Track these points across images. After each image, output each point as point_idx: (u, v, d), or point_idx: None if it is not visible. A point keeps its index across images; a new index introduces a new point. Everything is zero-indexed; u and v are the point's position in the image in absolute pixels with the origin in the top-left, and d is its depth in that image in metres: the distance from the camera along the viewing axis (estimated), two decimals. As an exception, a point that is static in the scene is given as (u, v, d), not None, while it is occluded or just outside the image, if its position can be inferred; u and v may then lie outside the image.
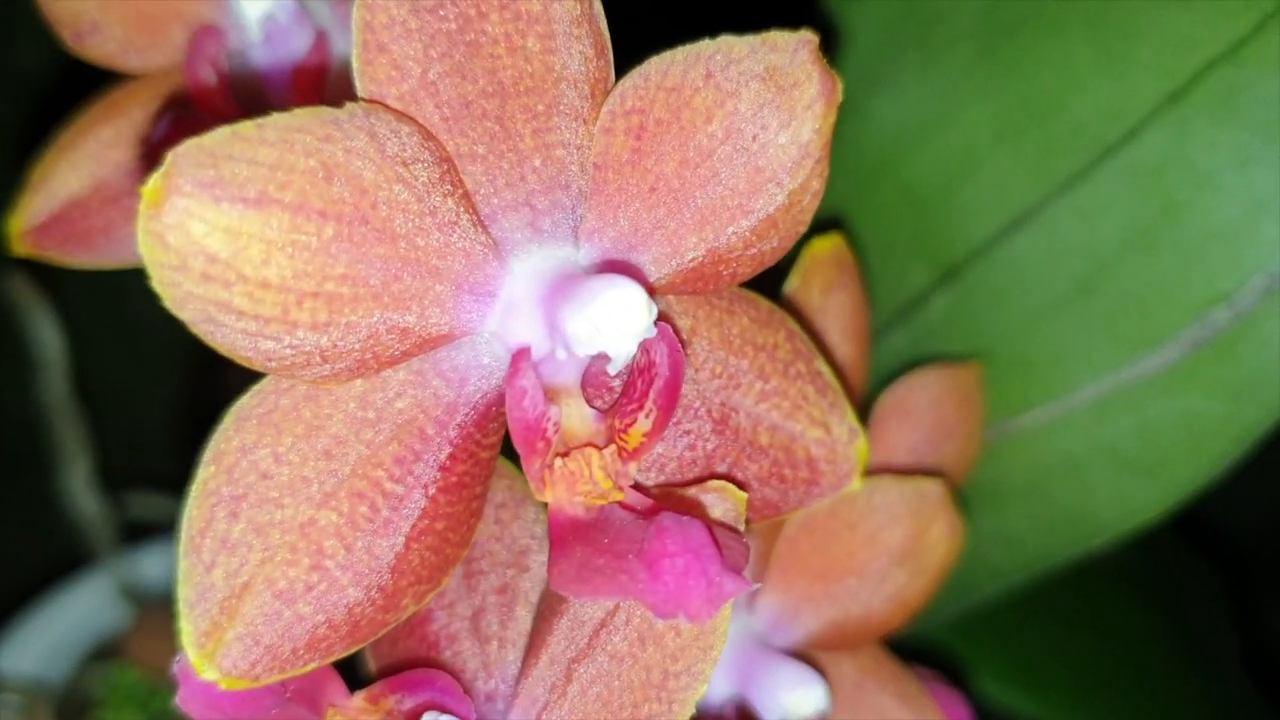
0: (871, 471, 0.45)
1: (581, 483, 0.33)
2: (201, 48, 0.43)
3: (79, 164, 0.46)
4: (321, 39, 0.43)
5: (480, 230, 0.33)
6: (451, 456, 0.34)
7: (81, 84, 0.47)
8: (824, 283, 0.48)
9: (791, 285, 0.47)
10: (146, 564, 0.89)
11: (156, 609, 0.87)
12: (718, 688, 0.44)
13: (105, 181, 0.46)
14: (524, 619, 0.38)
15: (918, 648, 0.57)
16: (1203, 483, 0.50)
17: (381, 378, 0.33)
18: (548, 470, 0.33)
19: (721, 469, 0.38)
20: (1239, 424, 0.49)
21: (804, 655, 0.46)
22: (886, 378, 0.53)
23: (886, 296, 0.58)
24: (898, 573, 0.47)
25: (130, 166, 0.46)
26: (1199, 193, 0.48)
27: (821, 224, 0.55)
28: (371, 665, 0.39)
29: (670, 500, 0.35)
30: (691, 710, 0.34)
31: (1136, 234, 0.50)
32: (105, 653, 0.86)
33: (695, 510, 0.35)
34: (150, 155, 0.41)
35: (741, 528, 0.35)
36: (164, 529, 0.91)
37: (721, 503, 0.35)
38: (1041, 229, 0.52)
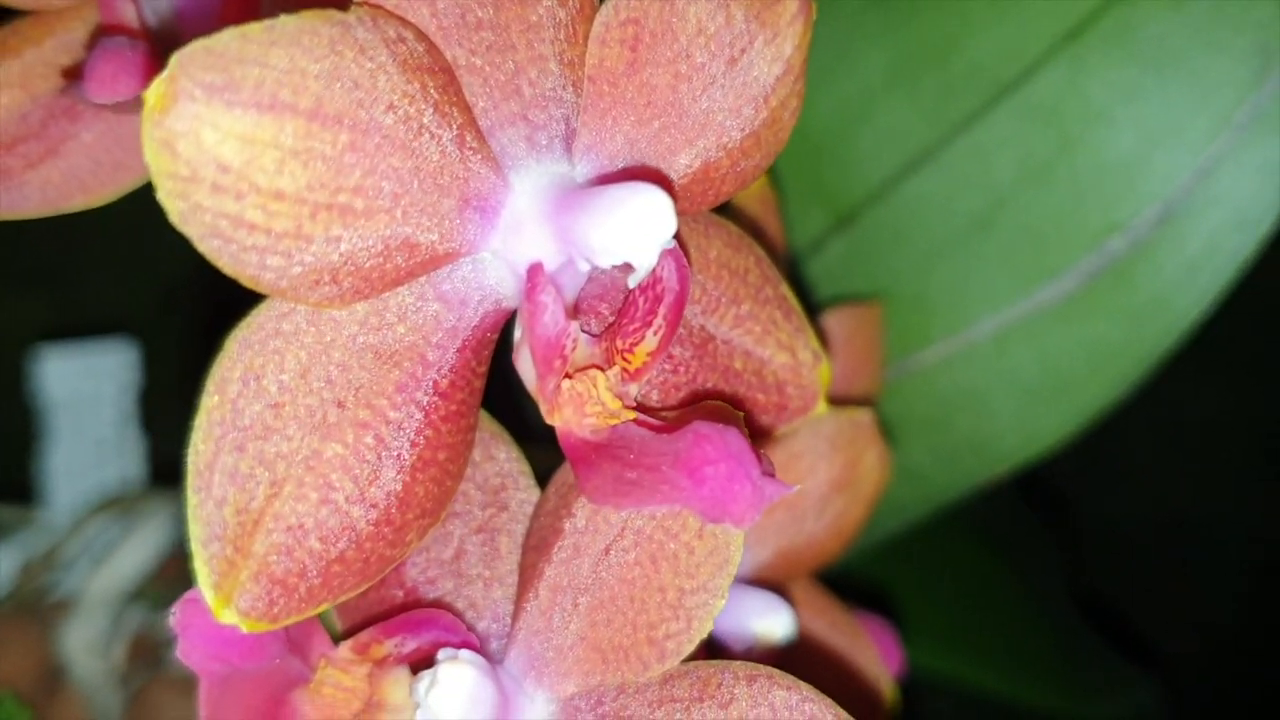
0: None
1: (590, 403, 0.33)
2: (114, -25, 0.40)
3: (-34, 109, 0.43)
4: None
5: (483, 144, 0.32)
6: (451, 383, 0.33)
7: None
8: (750, 220, 0.48)
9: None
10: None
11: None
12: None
13: (1, 125, 0.43)
14: (509, 557, 0.37)
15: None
16: (1105, 404, 0.53)
17: (382, 300, 0.32)
18: (557, 393, 0.32)
19: (702, 396, 0.38)
20: (1139, 346, 0.51)
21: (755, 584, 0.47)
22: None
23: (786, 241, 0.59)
24: (836, 500, 0.47)
25: (27, 110, 0.43)
26: (1093, 127, 0.51)
27: None
28: (340, 623, 0.38)
29: (683, 418, 0.35)
30: (710, 625, 0.34)
31: (1033, 169, 0.52)
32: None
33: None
34: (84, 85, 0.37)
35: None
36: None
37: (725, 415, 0.35)
38: (938, 169, 0.54)
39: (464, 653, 0.33)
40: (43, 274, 0.93)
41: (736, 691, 0.33)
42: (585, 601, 0.34)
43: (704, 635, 0.34)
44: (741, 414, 0.35)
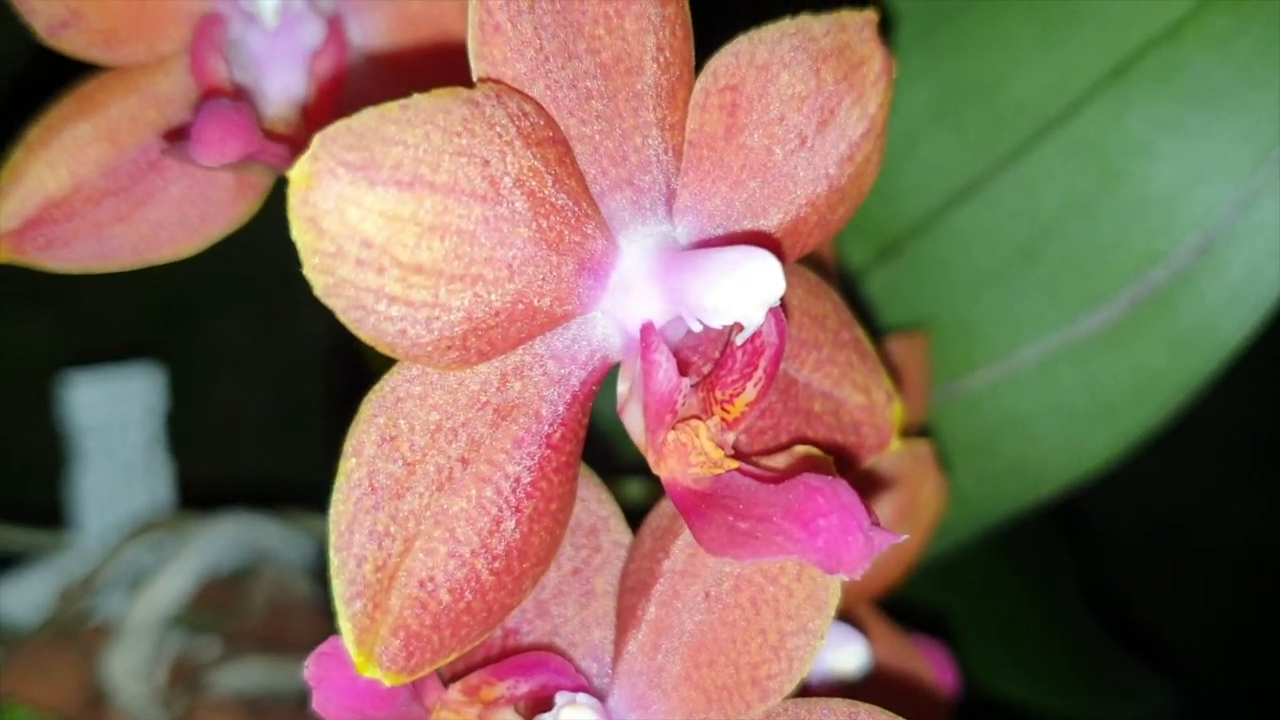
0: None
1: (694, 454, 0.34)
2: (208, 38, 0.41)
3: (55, 163, 0.44)
4: (336, 25, 0.42)
5: (595, 209, 0.33)
6: (562, 435, 0.34)
7: (49, 75, 0.45)
8: (818, 258, 0.50)
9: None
10: (7, 598, 0.84)
11: (29, 644, 0.82)
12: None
13: (86, 181, 0.44)
14: (605, 598, 0.39)
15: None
16: (1148, 429, 0.54)
17: (502, 360, 0.33)
18: (664, 445, 0.33)
19: (785, 438, 0.39)
20: (1182, 372, 0.53)
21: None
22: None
23: (825, 273, 0.60)
24: (898, 530, 0.49)
25: (114, 165, 0.44)
26: (1136, 161, 0.52)
27: None
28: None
29: (775, 468, 0.36)
30: (811, 665, 0.35)
31: (1077, 202, 0.54)
32: (-31, 693, 0.80)
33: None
34: (187, 148, 0.39)
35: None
36: (23, 560, 0.86)
37: (818, 464, 0.37)
38: (984, 201, 0.55)
39: (581, 696, 0.34)
40: (57, 296, 0.94)
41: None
42: (688, 643, 0.36)
43: (805, 675, 0.35)
44: (830, 458, 0.37)
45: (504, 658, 0.37)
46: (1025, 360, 0.56)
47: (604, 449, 0.40)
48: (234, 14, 0.43)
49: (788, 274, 0.39)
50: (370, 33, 0.44)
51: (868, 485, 0.47)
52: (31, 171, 0.43)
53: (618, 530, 0.39)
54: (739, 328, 0.33)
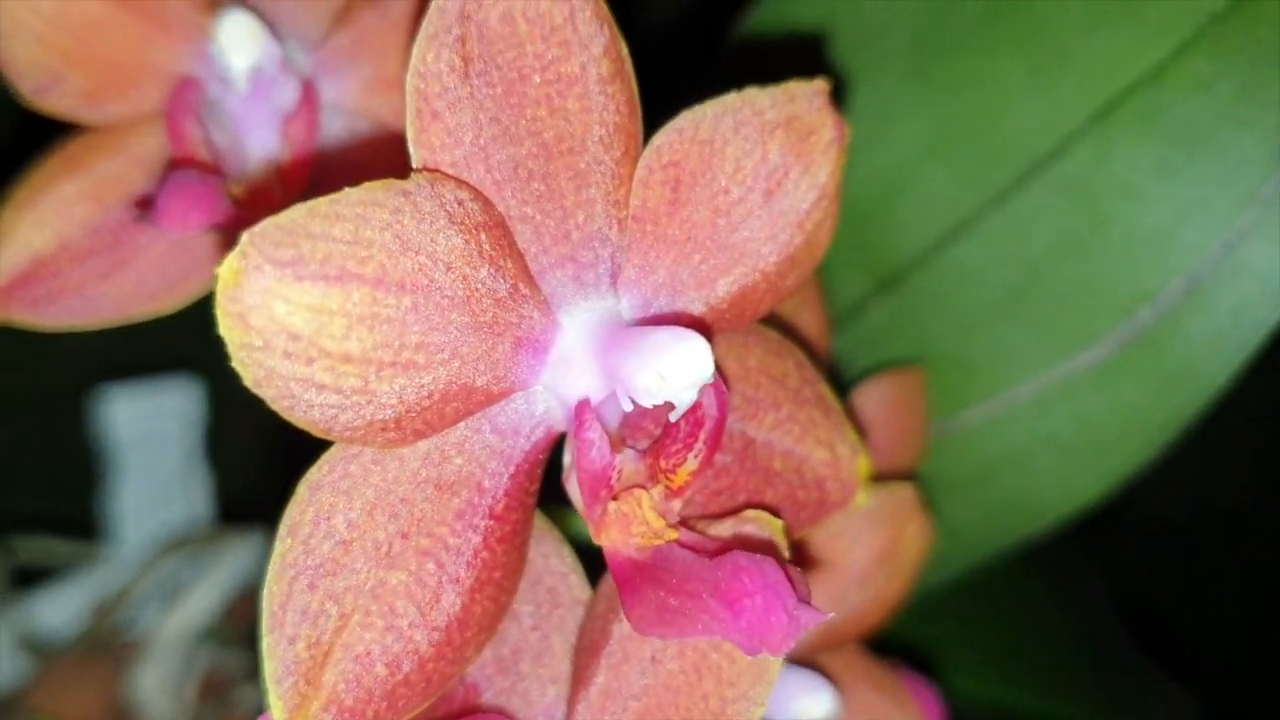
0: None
1: (635, 524, 0.35)
2: (183, 101, 0.43)
3: (42, 222, 0.45)
4: (309, 89, 0.43)
5: (535, 288, 0.34)
6: (506, 506, 0.35)
7: (32, 136, 0.46)
8: (794, 302, 0.50)
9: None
10: (43, 611, 0.86)
11: (62, 658, 0.84)
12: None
13: (72, 240, 0.45)
14: (563, 655, 0.39)
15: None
16: (1136, 465, 0.54)
17: (442, 436, 0.34)
18: (605, 515, 0.34)
19: (743, 498, 0.40)
20: (1167, 411, 0.53)
21: (799, 660, 0.48)
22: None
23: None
24: (878, 574, 0.49)
25: (98, 223, 0.45)
26: (1124, 202, 0.52)
27: None
28: None
29: (731, 541, 0.36)
30: (751, 732, 0.36)
31: (1067, 241, 0.53)
32: (4, 707, 0.83)
33: (747, 545, 0.36)
34: (151, 216, 0.40)
35: (785, 554, 0.37)
36: (57, 573, 0.88)
37: (761, 531, 0.37)
38: (977, 238, 0.55)
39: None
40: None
41: (779, 794, 0.35)
42: (634, 706, 0.36)
43: (746, 745, 0.36)
44: (782, 522, 0.37)
45: (463, 714, 0.38)
46: (1020, 396, 0.56)
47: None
48: (210, 77, 0.44)
49: (745, 333, 0.40)
50: (346, 94, 0.45)
51: (832, 541, 0.47)
52: (19, 231, 0.45)
53: (578, 587, 0.40)
54: (671, 407, 0.34)
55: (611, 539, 0.35)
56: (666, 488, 0.35)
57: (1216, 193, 0.50)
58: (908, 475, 0.58)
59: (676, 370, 0.33)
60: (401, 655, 0.33)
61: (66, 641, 0.87)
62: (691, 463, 0.35)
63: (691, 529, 0.36)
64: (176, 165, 0.42)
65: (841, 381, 0.55)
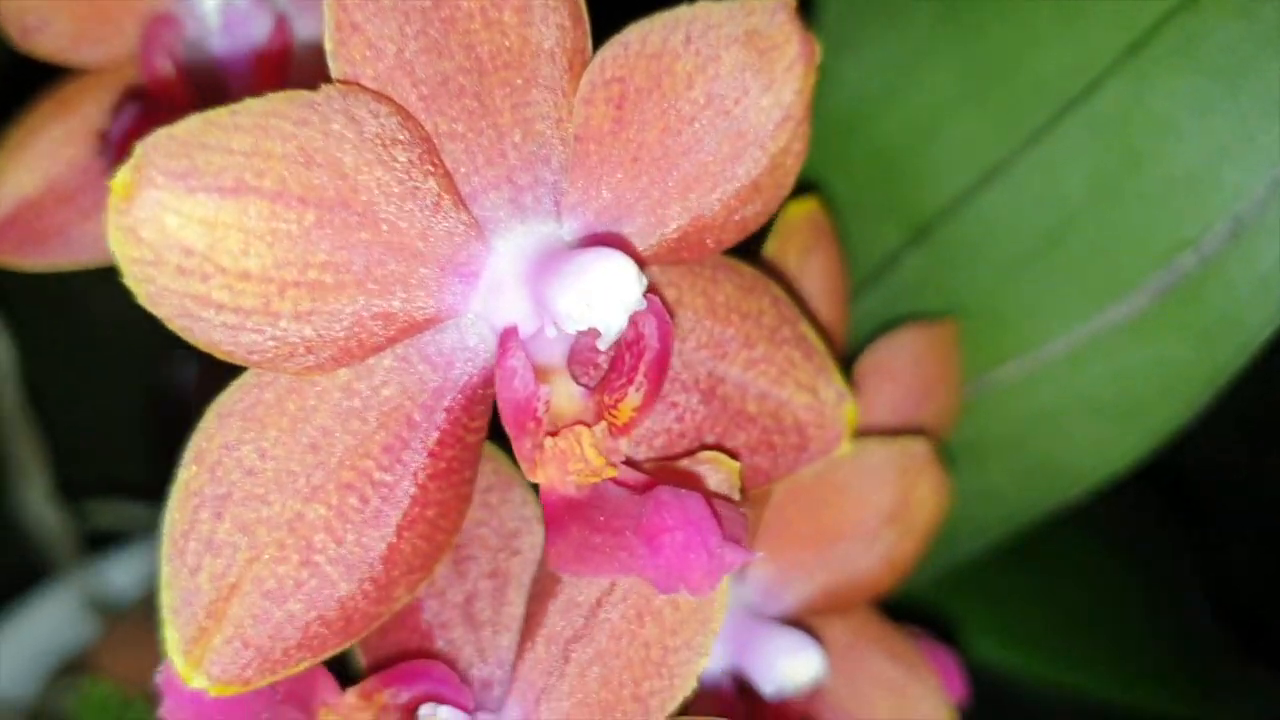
0: (856, 434, 0.46)
1: (573, 461, 0.33)
2: (157, 38, 0.42)
3: (31, 164, 0.45)
4: (282, 23, 0.42)
5: (462, 210, 0.32)
6: (440, 442, 0.34)
7: (29, 80, 0.46)
8: (801, 246, 0.48)
9: (770, 249, 0.47)
10: (113, 574, 0.88)
11: (126, 619, 0.85)
12: (714, 660, 0.44)
13: (59, 180, 0.45)
14: (517, 603, 0.38)
15: (904, 607, 0.58)
16: (1176, 426, 0.51)
17: (366, 365, 0.33)
18: (538, 450, 0.32)
19: (711, 439, 0.38)
20: (1209, 367, 0.49)
21: (796, 622, 0.46)
22: (863, 340, 0.53)
23: (860, 258, 0.58)
24: (887, 533, 0.47)
25: (85, 163, 0.45)
26: (1161, 141, 0.48)
27: (799, 187, 0.55)
28: (363, 660, 0.39)
29: (665, 474, 0.35)
30: (693, 684, 0.34)
31: (1101, 184, 0.50)
32: (74, 667, 0.84)
33: (691, 483, 0.34)
34: (109, 151, 0.39)
35: (737, 497, 0.35)
36: (128, 536, 0.89)
37: (715, 473, 0.35)
38: (1009, 184, 0.52)
39: (443, 710, 0.33)
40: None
41: (721, 750, 0.33)
42: (577, 655, 0.35)
43: (686, 693, 0.34)
44: (738, 464, 0.35)
45: (417, 659, 0.36)
46: (1055, 352, 0.53)
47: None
48: (186, 14, 0.43)
49: (713, 268, 0.38)
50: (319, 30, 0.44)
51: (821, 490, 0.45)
52: (9, 172, 0.45)
53: (539, 533, 0.38)
54: (596, 333, 0.32)
55: (548, 476, 0.33)
56: (611, 424, 0.34)
57: (1261, 128, 0.46)
58: (941, 433, 0.55)
59: (598, 292, 0.31)
60: (317, 593, 0.32)
61: (133, 604, 0.88)
62: (633, 397, 0.33)
63: (639, 469, 0.35)
64: (154, 95, 0.41)
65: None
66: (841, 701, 0.49)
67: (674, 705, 0.34)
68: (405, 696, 0.35)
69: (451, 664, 0.37)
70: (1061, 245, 0.52)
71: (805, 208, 0.47)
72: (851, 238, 0.57)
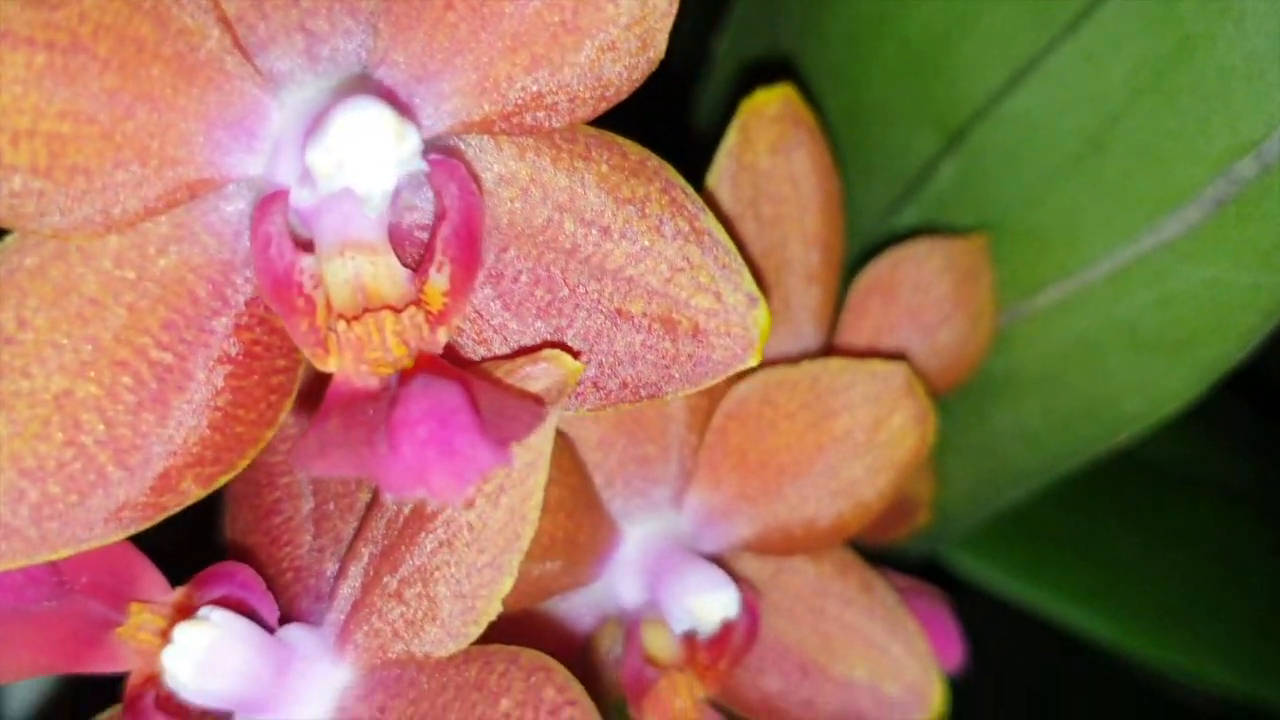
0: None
1: (370, 349, 0.29)
2: None
3: None
4: None
5: (242, 59, 0.29)
6: (235, 324, 0.30)
7: None
8: (773, 141, 0.42)
9: (729, 143, 0.41)
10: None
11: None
12: (630, 595, 0.40)
13: None
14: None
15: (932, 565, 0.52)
16: (1230, 363, 0.43)
17: (140, 232, 0.30)
18: (319, 334, 0.29)
19: (582, 345, 0.33)
20: (1268, 293, 0.42)
21: (740, 560, 0.42)
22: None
23: (895, 169, 0.52)
24: (851, 467, 0.41)
25: None
26: (1218, 22, 0.41)
27: (769, 71, 0.49)
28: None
29: (482, 373, 0.30)
30: (497, 607, 0.30)
31: (1148, 77, 0.43)
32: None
33: (511, 383, 0.30)
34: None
35: (562, 403, 0.30)
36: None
37: (550, 374, 0.31)
38: (1047, 79, 0.45)
39: (216, 614, 0.30)
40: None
41: (514, 683, 0.29)
42: (388, 570, 0.31)
43: (491, 616, 0.30)
44: (579, 365, 0.31)
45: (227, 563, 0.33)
46: (1097, 275, 0.46)
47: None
48: None
49: (585, 143, 0.33)
50: None
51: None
52: None
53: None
54: (352, 196, 0.28)
55: (342, 365, 0.29)
56: (428, 313, 0.30)
57: (1330, 5, 0.38)
58: (965, 366, 0.49)
59: (347, 144, 0.27)
60: (81, 476, 0.29)
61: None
62: (437, 279, 0.29)
63: (462, 364, 0.31)
64: None
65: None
66: (811, 655, 0.43)
67: (477, 629, 0.30)
68: (208, 598, 0.32)
69: (290, 572, 0.34)
70: (1105, 150, 0.45)
71: (777, 95, 0.42)
72: (886, 146, 0.52)
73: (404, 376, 0.28)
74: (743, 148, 0.41)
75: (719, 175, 0.41)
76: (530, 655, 0.29)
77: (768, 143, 0.42)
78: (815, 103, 0.45)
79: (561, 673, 0.28)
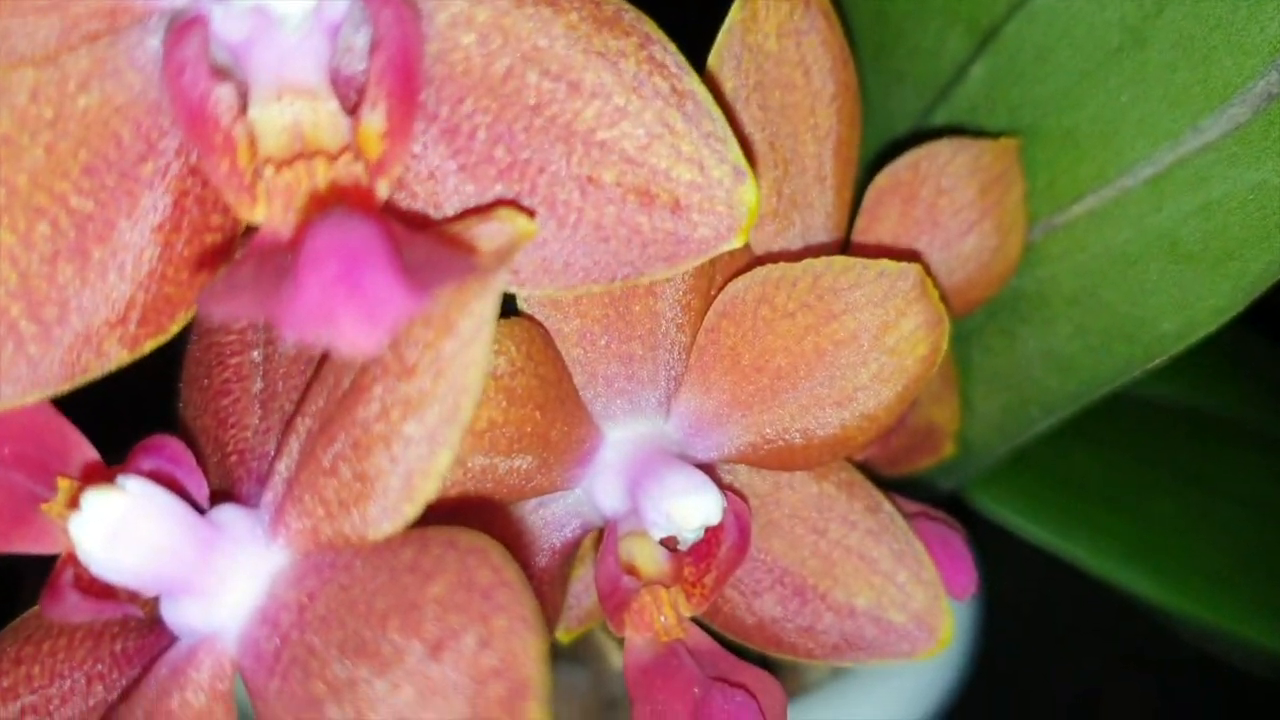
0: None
1: (298, 196, 0.27)
2: None
3: None
4: None
5: None
6: (160, 171, 0.28)
7: None
8: (782, 22, 0.39)
9: (733, 19, 0.38)
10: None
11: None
12: (610, 501, 0.37)
13: None
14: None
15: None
16: (1270, 277, 0.39)
17: (58, 65, 0.27)
18: (243, 178, 0.26)
19: (548, 214, 0.31)
20: (1321, 197, 0.38)
21: (742, 474, 0.39)
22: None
23: (926, 73, 0.49)
24: (856, 375, 0.38)
25: None
26: (1273, -106, 0.37)
27: None
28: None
29: (433, 232, 0.28)
30: (435, 483, 0.27)
31: (1194, -42, 0.39)
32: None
33: (460, 240, 0.28)
34: None
35: (506, 264, 0.28)
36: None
37: (501, 234, 0.28)
38: (1086, -34, 0.42)
39: (132, 482, 0.28)
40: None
41: (448, 565, 0.26)
42: (321, 449, 0.29)
43: (429, 494, 0.27)
44: (530, 228, 0.28)
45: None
46: (1136, 180, 0.42)
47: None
48: None
49: (554, 6, 0.31)
50: None
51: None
52: None
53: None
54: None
55: (270, 213, 0.27)
56: (366, 159, 0.27)
57: None
58: (997, 277, 0.45)
59: None
60: (-10, 328, 0.27)
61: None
62: (372, 118, 0.27)
63: (419, 224, 0.28)
64: None
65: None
66: (810, 579, 0.41)
67: (412, 509, 0.27)
68: (135, 471, 0.30)
69: (234, 453, 0.32)
70: (1145, 43, 0.41)
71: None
72: (917, 48, 0.48)
73: (317, 212, 0.25)
74: (748, 26, 0.38)
75: (721, 55, 0.38)
76: (469, 536, 0.27)
77: (776, 23, 0.39)
78: (841, 4, 0.41)
79: (498, 553, 0.26)
